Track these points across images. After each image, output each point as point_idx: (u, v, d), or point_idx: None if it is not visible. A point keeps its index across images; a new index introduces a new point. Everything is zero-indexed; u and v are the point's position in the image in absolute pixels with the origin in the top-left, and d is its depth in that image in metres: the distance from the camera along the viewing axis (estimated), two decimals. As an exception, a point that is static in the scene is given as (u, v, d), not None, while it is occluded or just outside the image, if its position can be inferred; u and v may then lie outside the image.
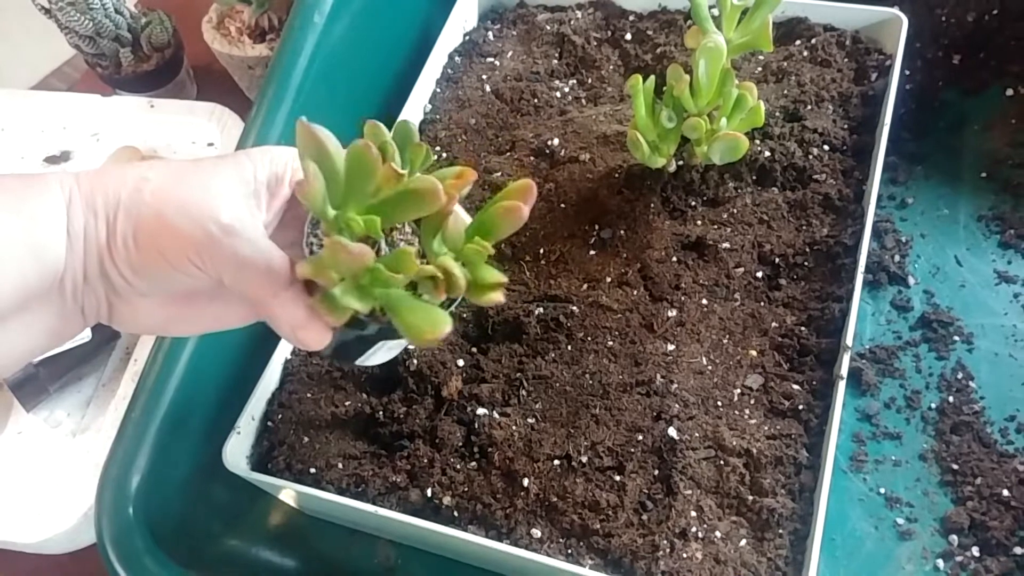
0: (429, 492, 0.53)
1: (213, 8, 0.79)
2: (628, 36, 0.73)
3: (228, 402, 0.58)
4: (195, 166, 0.37)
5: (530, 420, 0.54)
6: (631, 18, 0.74)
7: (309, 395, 0.58)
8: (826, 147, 0.63)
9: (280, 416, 0.58)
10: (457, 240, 0.39)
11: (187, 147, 0.77)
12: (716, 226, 0.61)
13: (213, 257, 0.36)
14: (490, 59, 0.74)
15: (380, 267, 0.36)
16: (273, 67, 0.65)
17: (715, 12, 0.57)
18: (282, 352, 0.59)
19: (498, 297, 0.39)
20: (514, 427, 0.54)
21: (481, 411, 0.55)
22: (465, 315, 0.60)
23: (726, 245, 0.60)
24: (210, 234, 0.35)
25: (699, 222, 0.62)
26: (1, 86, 0.86)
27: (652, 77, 0.58)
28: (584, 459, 0.52)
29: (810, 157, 0.63)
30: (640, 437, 0.52)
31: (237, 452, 0.56)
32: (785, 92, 0.66)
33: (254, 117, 0.64)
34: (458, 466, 0.53)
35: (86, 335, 0.61)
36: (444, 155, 0.69)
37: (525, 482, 0.51)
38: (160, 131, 0.77)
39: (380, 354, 0.47)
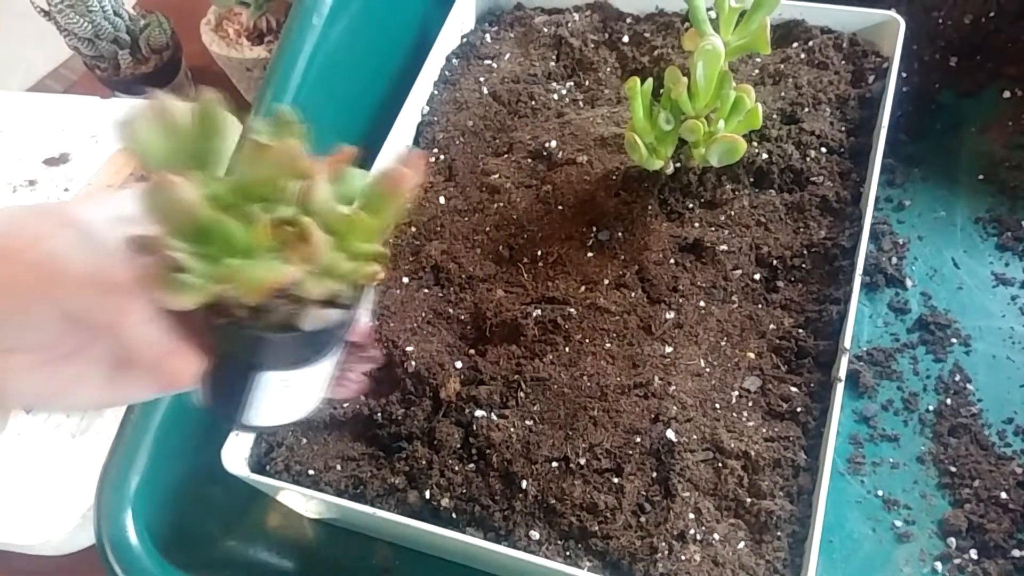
0: (427, 494, 0.53)
1: (211, 10, 0.79)
2: (625, 38, 0.73)
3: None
4: None
5: (528, 422, 0.54)
6: (628, 20, 0.74)
7: (307, 397, 0.58)
8: (823, 149, 0.63)
9: (278, 418, 0.58)
10: (324, 207, 0.33)
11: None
12: (714, 228, 0.61)
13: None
14: (488, 61, 0.74)
15: (231, 228, 0.31)
16: (271, 69, 0.65)
17: (713, 15, 0.57)
18: (280, 354, 0.59)
19: (376, 271, 0.34)
20: (512, 429, 0.54)
21: (479, 413, 0.55)
22: (463, 317, 0.60)
23: (724, 247, 0.60)
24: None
25: (697, 224, 0.62)
26: (-1, 88, 0.86)
27: (649, 79, 0.58)
28: (582, 461, 0.52)
29: (807, 159, 0.63)
30: (638, 439, 0.52)
31: (236, 454, 0.56)
32: (782, 94, 0.66)
33: (252, 119, 0.64)
34: (456, 468, 0.53)
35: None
36: (442, 157, 0.69)
37: (523, 484, 0.51)
38: (158, 133, 0.77)
39: (279, 403, 0.36)
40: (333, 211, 0.33)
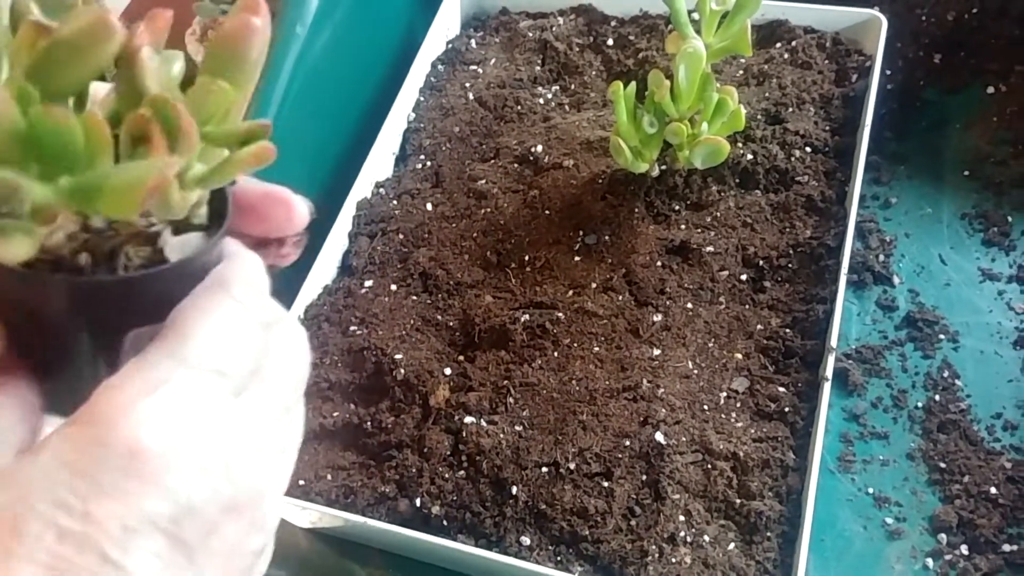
0: (418, 502, 0.53)
1: (196, 21, 0.79)
2: (610, 41, 0.74)
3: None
4: None
5: (518, 428, 0.54)
6: (613, 24, 0.75)
7: (297, 407, 0.58)
8: (808, 149, 0.63)
9: (268, 429, 0.58)
10: (166, 82, 0.25)
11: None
12: (700, 230, 0.62)
13: None
14: (473, 67, 0.74)
15: (69, 127, 0.22)
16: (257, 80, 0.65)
17: (695, 16, 0.57)
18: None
19: (264, 154, 0.25)
20: (502, 435, 0.54)
21: (469, 419, 0.55)
22: (452, 323, 0.60)
23: (710, 249, 0.60)
24: None
25: (683, 226, 0.62)
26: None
27: (633, 83, 0.58)
28: (572, 466, 0.52)
29: (792, 159, 0.63)
30: (627, 443, 0.52)
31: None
32: (766, 95, 0.67)
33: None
34: (447, 475, 0.53)
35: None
36: (429, 163, 0.69)
37: (514, 490, 0.51)
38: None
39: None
40: (174, 88, 0.25)
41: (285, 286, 0.63)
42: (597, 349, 0.57)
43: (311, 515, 0.54)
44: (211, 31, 0.79)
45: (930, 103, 0.70)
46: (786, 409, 0.52)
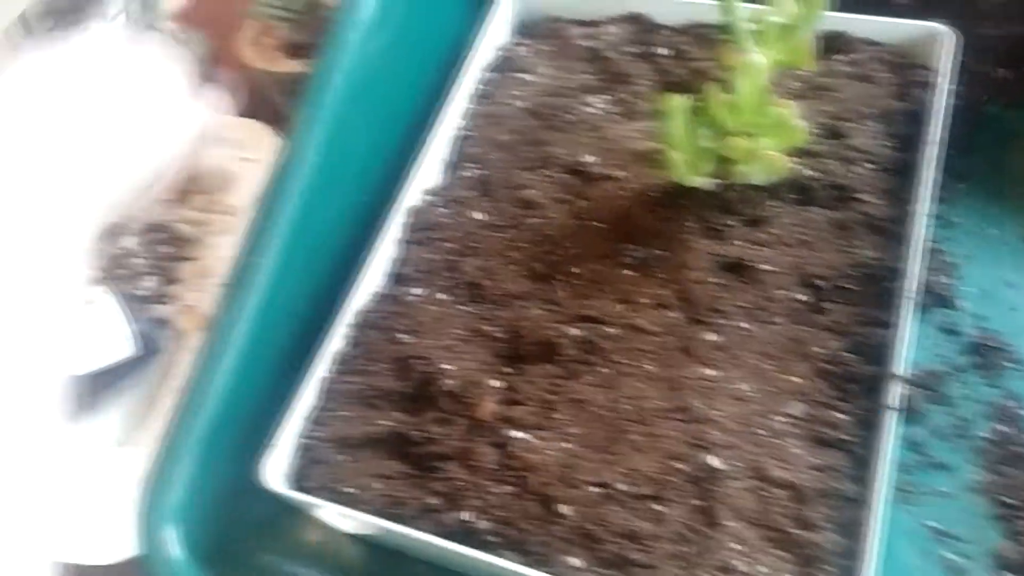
0: (464, 516, 0.52)
1: (249, 24, 0.80)
2: (663, 51, 0.72)
3: (264, 418, 0.58)
4: None
5: (566, 445, 0.54)
6: (665, 33, 0.73)
7: (344, 413, 0.58)
8: (869, 165, 0.62)
9: (316, 434, 0.58)
10: None
11: (224, 163, 0.77)
12: (755, 247, 0.60)
13: None
14: (522, 75, 0.74)
15: None
16: (310, 85, 0.65)
17: (753, 27, 0.56)
18: (318, 370, 0.59)
19: None
20: (550, 451, 0.53)
21: (516, 434, 0.54)
22: (499, 335, 0.60)
23: (766, 266, 0.59)
24: None
25: (737, 242, 0.61)
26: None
27: (688, 95, 0.57)
28: (622, 487, 0.51)
29: (852, 176, 0.61)
30: (679, 465, 0.51)
31: (274, 469, 0.56)
32: (826, 109, 0.65)
33: (290, 135, 0.64)
34: (493, 490, 0.53)
35: (132, 348, 0.62)
36: (477, 172, 0.68)
37: (562, 509, 0.50)
38: (199, 146, 0.77)
39: None
40: None
41: (336, 291, 0.63)
42: (648, 367, 0.56)
43: (358, 524, 0.54)
44: (263, 36, 0.79)
45: (995, 119, 0.68)
46: (846, 436, 0.50)
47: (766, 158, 0.57)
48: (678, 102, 0.57)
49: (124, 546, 0.60)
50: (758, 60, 0.55)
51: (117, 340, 0.62)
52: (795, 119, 0.56)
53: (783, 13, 0.56)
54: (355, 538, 0.59)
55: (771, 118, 0.57)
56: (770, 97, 0.56)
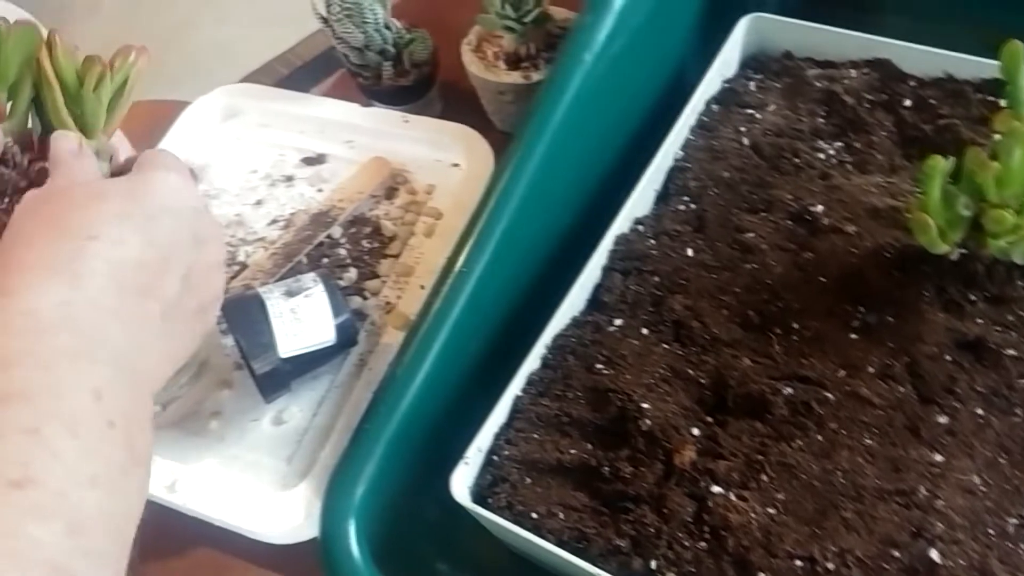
0: (653, 564, 0.50)
1: (474, 30, 0.81)
2: (907, 102, 0.68)
3: (447, 428, 0.59)
4: None
5: (771, 509, 0.51)
6: (912, 83, 0.69)
7: (535, 436, 0.58)
8: None
9: (506, 453, 0.57)
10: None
11: (432, 165, 0.79)
12: (999, 328, 0.55)
13: None
14: (749, 110, 0.71)
15: None
16: (539, 99, 0.65)
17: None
18: (514, 388, 0.59)
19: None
20: (752, 514, 0.51)
21: (716, 489, 0.52)
22: (703, 380, 0.58)
23: (1011, 351, 0.54)
24: None
25: (979, 320, 0.56)
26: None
27: (951, 159, 0.53)
28: (830, 566, 0.48)
29: (1125, 266, 0.55)
30: (895, 553, 0.48)
31: (461, 482, 0.56)
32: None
33: (514, 148, 0.64)
34: (686, 543, 0.51)
35: (331, 336, 0.64)
36: (693, 206, 0.66)
37: (761, 577, 0.48)
38: (410, 147, 0.79)
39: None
40: None
41: (533, 311, 0.62)
42: (868, 441, 0.52)
43: (539, 550, 0.53)
44: (485, 43, 0.80)
45: None
46: (1101, 558, 0.45)
47: (1029, 236, 0.52)
48: (940, 164, 0.53)
49: (299, 529, 0.62)
50: (1036, 129, 0.51)
51: (322, 326, 0.64)
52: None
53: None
54: (527, 562, 0.59)
55: (1042, 193, 0.52)
56: (1042, 171, 0.51)
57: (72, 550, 0.31)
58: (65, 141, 0.47)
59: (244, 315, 0.64)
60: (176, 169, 0.47)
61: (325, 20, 0.78)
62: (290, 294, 0.64)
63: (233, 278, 0.73)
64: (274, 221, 0.78)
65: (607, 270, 0.65)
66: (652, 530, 0.52)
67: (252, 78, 1.00)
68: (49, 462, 0.31)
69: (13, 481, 0.30)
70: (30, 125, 0.53)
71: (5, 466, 0.30)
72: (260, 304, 0.63)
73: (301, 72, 1.13)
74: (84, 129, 0.52)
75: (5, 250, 0.38)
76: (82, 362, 0.35)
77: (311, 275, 0.66)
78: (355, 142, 0.81)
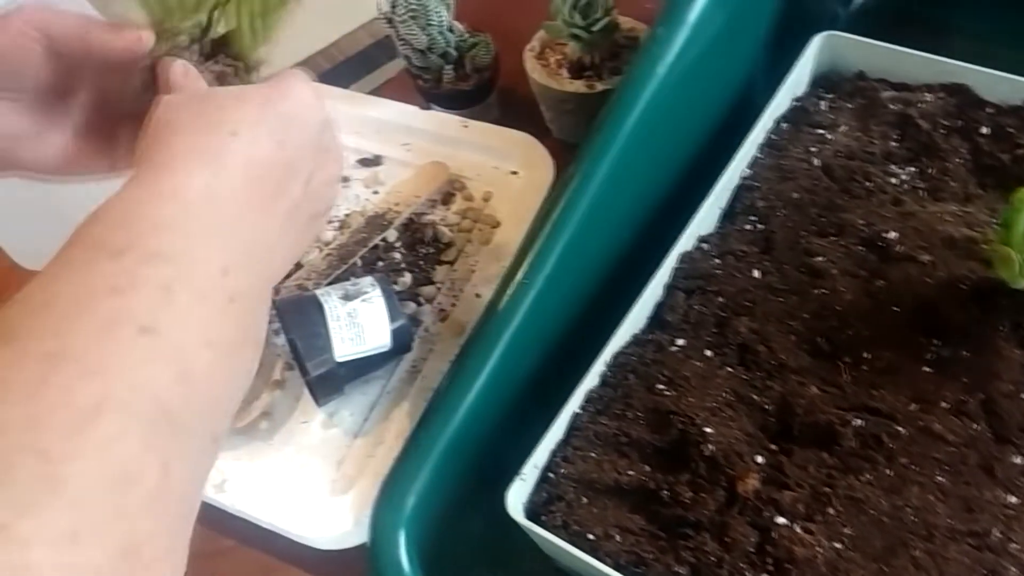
0: (713, 593, 0.49)
1: (537, 37, 0.80)
2: (984, 130, 0.66)
3: (504, 443, 0.58)
4: None
5: (837, 544, 0.49)
6: (990, 110, 0.67)
7: (593, 455, 0.57)
8: None
9: (562, 471, 0.56)
10: None
11: (490, 172, 0.78)
12: (1080, 368, 0.53)
13: None
14: (820, 131, 0.69)
15: None
16: (609, 110, 0.64)
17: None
18: (572, 405, 0.58)
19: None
20: (818, 548, 0.49)
21: (780, 520, 0.51)
22: (768, 407, 0.56)
23: (1092, 394, 0.52)
24: None
25: (1058, 359, 0.54)
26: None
27: (1008, 182, 0.52)
28: (899, 607, 0.46)
29: None
30: (968, 597, 0.46)
31: (516, 498, 0.55)
32: None
33: (581, 158, 0.63)
34: (748, 574, 0.50)
35: (387, 342, 0.63)
36: (760, 227, 0.65)
37: (828, 614, 0.47)
38: (468, 152, 0.78)
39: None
40: None
41: (597, 330, 0.61)
42: (940, 479, 0.51)
43: (594, 572, 0.52)
44: (548, 50, 0.79)
45: None
46: None
47: (1118, 276, 0.51)
48: (1028, 197, 0.51)
49: (348, 536, 0.61)
50: None
51: (378, 331, 0.63)
52: None
53: None
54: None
55: None
56: None
57: (178, 396, 0.34)
58: (176, 65, 0.50)
59: (301, 316, 0.63)
60: (310, 84, 0.50)
61: (389, 20, 0.78)
62: (347, 298, 0.64)
63: (287, 278, 0.73)
64: (329, 222, 0.78)
65: (670, 288, 0.64)
66: (713, 559, 0.50)
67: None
68: (175, 317, 0.35)
69: (143, 327, 0.34)
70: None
71: (139, 313, 0.34)
72: (318, 306, 0.63)
73: (343, 67, 1.13)
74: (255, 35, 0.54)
75: (157, 136, 0.42)
76: (217, 239, 0.39)
77: (369, 279, 0.66)
78: (412, 145, 0.81)
